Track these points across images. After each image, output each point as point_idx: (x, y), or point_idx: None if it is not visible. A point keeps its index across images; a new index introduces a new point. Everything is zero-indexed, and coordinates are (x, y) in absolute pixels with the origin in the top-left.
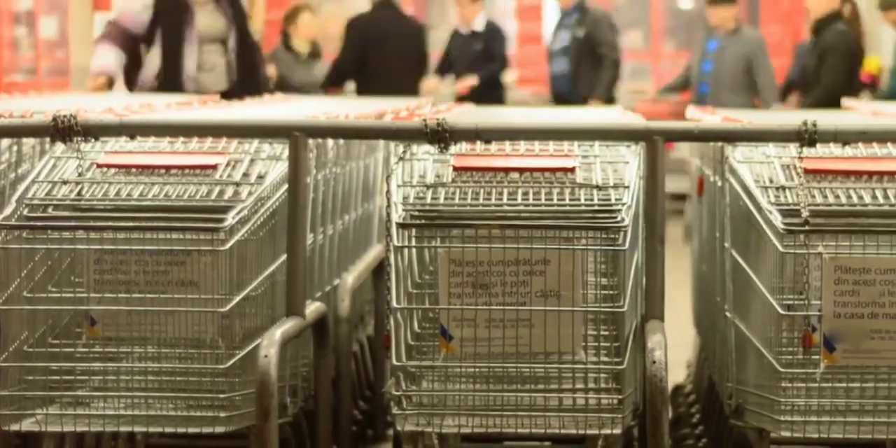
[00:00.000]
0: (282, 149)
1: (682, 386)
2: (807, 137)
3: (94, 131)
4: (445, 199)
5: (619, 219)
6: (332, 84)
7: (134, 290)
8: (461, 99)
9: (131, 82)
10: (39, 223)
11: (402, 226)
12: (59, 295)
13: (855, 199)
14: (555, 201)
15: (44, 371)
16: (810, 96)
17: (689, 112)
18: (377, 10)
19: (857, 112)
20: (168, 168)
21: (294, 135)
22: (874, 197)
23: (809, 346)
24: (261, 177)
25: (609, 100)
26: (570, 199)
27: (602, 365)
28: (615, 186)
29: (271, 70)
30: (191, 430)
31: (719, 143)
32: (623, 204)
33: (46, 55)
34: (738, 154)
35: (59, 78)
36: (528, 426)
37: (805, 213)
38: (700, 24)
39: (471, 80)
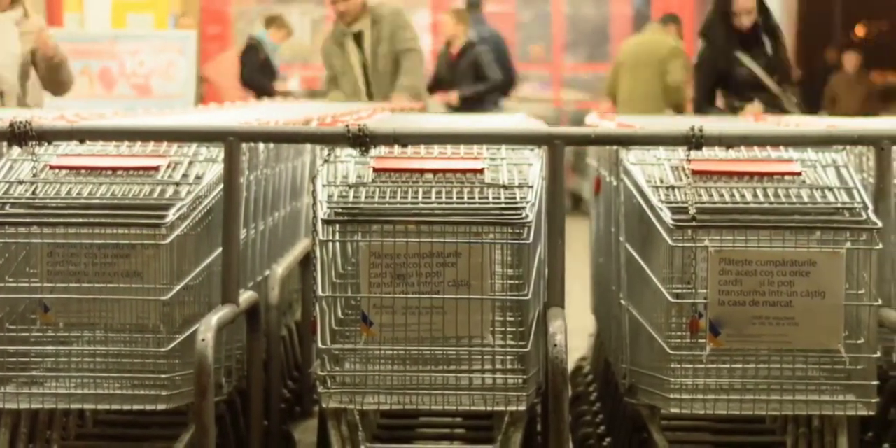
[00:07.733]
0: (217, 152)
1: (581, 367)
2: (694, 141)
3: (48, 136)
4: (366, 197)
5: (523, 215)
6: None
7: (83, 280)
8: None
9: None
10: None
11: (326, 222)
12: (15, 284)
13: (738, 198)
14: (465, 199)
15: (1, 354)
16: None
17: (588, 118)
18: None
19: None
20: (114, 169)
21: (229, 139)
22: (755, 195)
23: (696, 330)
24: (198, 177)
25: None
26: (480, 198)
27: (508, 348)
28: (520, 186)
29: None
30: (135, 407)
31: (615, 147)
32: (527, 202)
33: None
34: (631, 156)
35: None
36: (442, 403)
37: (692, 211)
38: (601, 38)
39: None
